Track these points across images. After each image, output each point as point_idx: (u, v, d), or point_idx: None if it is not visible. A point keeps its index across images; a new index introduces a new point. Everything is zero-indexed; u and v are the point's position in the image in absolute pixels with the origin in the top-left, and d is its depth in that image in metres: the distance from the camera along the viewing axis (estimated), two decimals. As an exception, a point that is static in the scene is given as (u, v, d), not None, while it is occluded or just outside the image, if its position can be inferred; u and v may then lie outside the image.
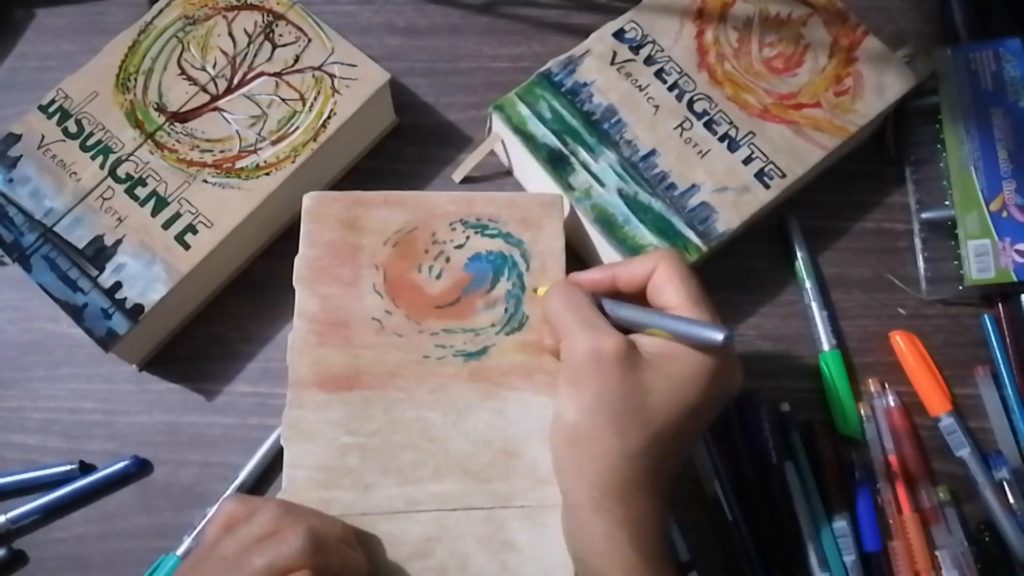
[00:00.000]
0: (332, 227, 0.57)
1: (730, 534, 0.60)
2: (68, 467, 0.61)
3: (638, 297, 0.52)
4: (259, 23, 0.65)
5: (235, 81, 0.64)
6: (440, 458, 0.53)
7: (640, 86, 0.64)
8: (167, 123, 0.62)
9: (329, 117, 0.62)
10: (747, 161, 0.62)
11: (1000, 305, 0.66)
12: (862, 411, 0.63)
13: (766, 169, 0.62)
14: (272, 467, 0.61)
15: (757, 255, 0.68)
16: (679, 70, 0.65)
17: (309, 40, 0.65)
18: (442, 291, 0.57)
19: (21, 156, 0.61)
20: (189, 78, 0.64)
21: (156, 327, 0.63)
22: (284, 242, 0.66)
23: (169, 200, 0.60)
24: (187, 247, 0.59)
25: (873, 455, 0.62)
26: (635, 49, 0.65)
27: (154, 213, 0.60)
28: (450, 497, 0.52)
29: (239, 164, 0.61)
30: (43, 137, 0.62)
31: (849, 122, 0.64)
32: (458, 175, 0.68)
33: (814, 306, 0.65)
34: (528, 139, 0.62)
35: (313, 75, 0.64)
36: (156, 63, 0.64)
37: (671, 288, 0.50)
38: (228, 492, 0.60)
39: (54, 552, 0.61)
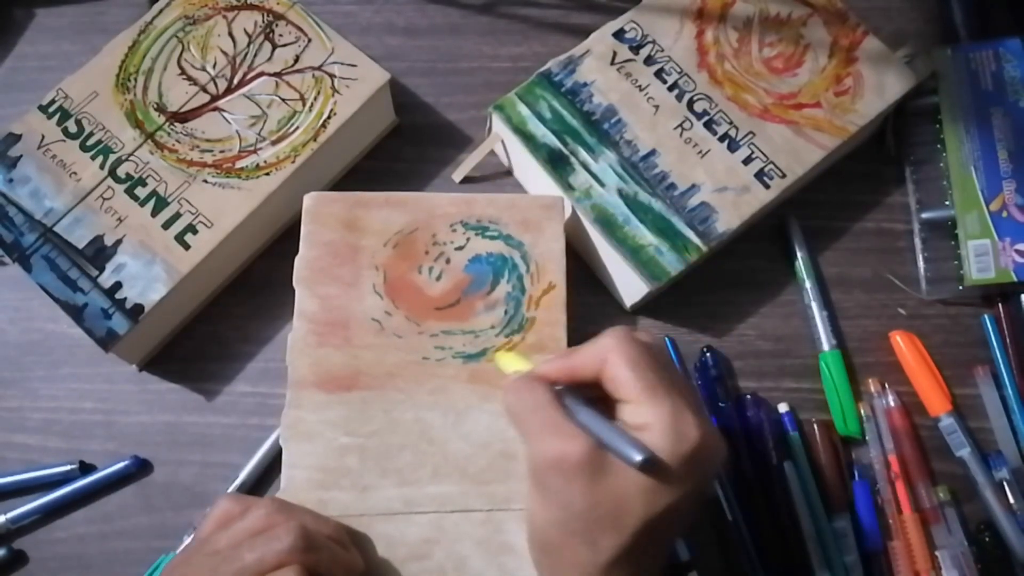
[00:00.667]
0: (332, 227, 0.57)
1: (730, 534, 0.60)
2: (68, 467, 0.61)
3: (598, 387, 0.48)
4: (259, 23, 0.65)
5: (235, 81, 0.64)
6: (439, 460, 0.53)
7: (640, 86, 0.64)
8: (167, 123, 0.62)
9: (329, 117, 0.62)
10: (747, 161, 0.62)
11: (1000, 305, 0.66)
12: (862, 411, 0.63)
13: (766, 169, 0.62)
14: (272, 467, 0.61)
15: (757, 255, 0.68)
16: (679, 70, 0.65)
17: (309, 40, 0.64)
18: (442, 292, 0.57)
19: (21, 156, 0.61)
20: (189, 78, 0.64)
21: (156, 327, 0.63)
22: (284, 242, 0.66)
23: (169, 200, 0.60)
24: (187, 247, 0.59)
25: (873, 455, 0.62)
26: (635, 49, 0.65)
27: (154, 213, 0.60)
28: (448, 499, 0.52)
29: (239, 164, 0.61)
30: (43, 137, 0.62)
31: (849, 122, 0.64)
32: (458, 175, 0.68)
33: (814, 306, 0.65)
34: (528, 139, 0.62)
35: (313, 75, 0.64)
36: (156, 63, 0.64)
37: (622, 381, 0.46)
38: (228, 492, 0.60)
39: (54, 552, 0.61)
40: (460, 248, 0.58)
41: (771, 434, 0.62)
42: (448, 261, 0.57)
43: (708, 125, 0.63)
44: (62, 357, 0.65)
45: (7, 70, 0.72)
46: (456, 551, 0.51)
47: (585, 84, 0.64)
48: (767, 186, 0.62)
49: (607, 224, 0.60)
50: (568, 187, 0.61)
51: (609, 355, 0.47)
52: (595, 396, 0.48)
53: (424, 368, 0.55)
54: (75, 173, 0.61)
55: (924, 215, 0.67)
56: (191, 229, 0.60)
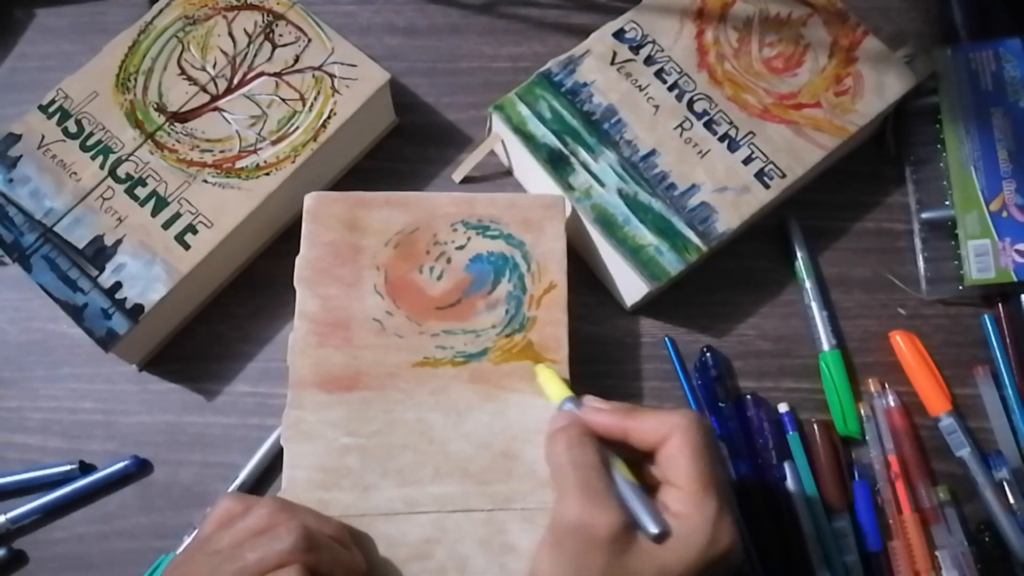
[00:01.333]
0: (333, 227, 0.57)
1: (730, 534, 0.60)
2: (68, 467, 0.61)
3: (651, 454, 0.48)
4: (259, 23, 0.65)
5: (235, 81, 0.63)
6: (440, 460, 0.53)
7: (640, 86, 0.64)
8: (167, 123, 0.62)
9: (329, 117, 0.62)
10: (747, 161, 0.62)
11: (1000, 305, 0.66)
12: (862, 411, 0.63)
13: (766, 169, 0.62)
14: (272, 467, 0.61)
15: (757, 255, 0.68)
16: (679, 70, 0.65)
17: (309, 40, 0.64)
18: (443, 292, 0.57)
19: (21, 156, 0.61)
20: (189, 78, 0.64)
21: (156, 327, 0.63)
22: (284, 242, 0.66)
23: (169, 200, 0.60)
24: (187, 247, 0.59)
25: (873, 455, 0.62)
26: (635, 49, 0.65)
27: (154, 213, 0.60)
28: (450, 499, 0.52)
29: (239, 164, 0.61)
30: (43, 137, 0.62)
31: (849, 122, 0.64)
32: (458, 175, 0.68)
33: (814, 306, 0.65)
34: (528, 139, 0.62)
35: (313, 75, 0.64)
36: (156, 63, 0.64)
37: (682, 466, 0.46)
38: (228, 491, 0.60)
39: (54, 552, 0.61)
40: (461, 248, 0.58)
41: (771, 434, 0.62)
42: (449, 261, 0.57)
43: (708, 125, 0.63)
44: (62, 357, 0.65)
45: (7, 70, 0.72)
46: (457, 551, 0.51)
47: (585, 84, 0.64)
48: (767, 186, 0.62)
49: (607, 224, 0.60)
50: (568, 187, 0.61)
51: (675, 435, 0.47)
52: (636, 458, 0.48)
53: (425, 368, 0.55)
54: (75, 173, 0.61)
55: (924, 215, 0.67)
56: (191, 229, 0.60)
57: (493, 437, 0.54)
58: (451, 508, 0.52)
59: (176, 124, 0.62)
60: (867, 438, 0.63)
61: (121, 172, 0.61)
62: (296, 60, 0.64)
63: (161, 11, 0.65)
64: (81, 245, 0.59)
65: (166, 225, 0.60)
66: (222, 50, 0.64)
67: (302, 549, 0.45)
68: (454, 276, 0.57)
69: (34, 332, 0.65)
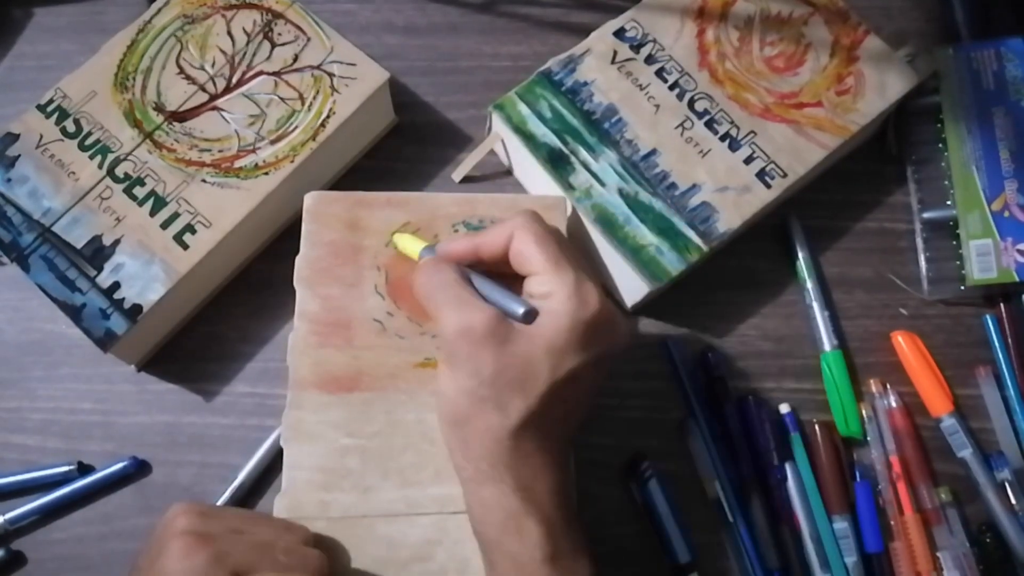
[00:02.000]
0: (333, 227, 0.57)
1: (730, 534, 0.60)
2: (67, 468, 0.61)
3: (506, 264, 0.52)
4: (258, 22, 0.65)
5: (234, 80, 0.63)
6: (441, 461, 0.53)
7: (641, 85, 0.64)
8: (166, 122, 0.62)
9: (328, 116, 0.62)
10: (748, 160, 0.62)
11: (1002, 305, 0.65)
12: (863, 411, 0.63)
13: (767, 168, 0.62)
14: (271, 468, 0.61)
15: (758, 255, 0.67)
16: (680, 69, 0.64)
17: (308, 39, 0.64)
18: (443, 292, 0.57)
19: (19, 155, 0.61)
20: (188, 77, 0.63)
21: (155, 327, 0.62)
22: (283, 242, 0.66)
23: (168, 200, 0.60)
24: (186, 247, 0.59)
25: (874, 456, 0.62)
26: (636, 48, 0.65)
27: (152, 213, 0.60)
28: (451, 500, 0.52)
29: (238, 163, 0.61)
30: (41, 136, 0.62)
31: (850, 121, 0.63)
32: (458, 175, 0.68)
33: (815, 306, 0.65)
34: (528, 138, 0.62)
35: (312, 74, 0.63)
36: (155, 62, 0.64)
37: (529, 255, 0.50)
38: (227, 493, 0.60)
39: (53, 553, 0.60)
40: (461, 248, 0.58)
41: (772, 435, 0.61)
42: (449, 261, 0.57)
43: (709, 124, 0.63)
44: (60, 357, 0.64)
45: (5, 69, 0.72)
46: (458, 552, 0.51)
47: (585, 83, 0.63)
48: (768, 186, 0.61)
49: (607, 224, 0.60)
50: (568, 187, 0.61)
51: (516, 231, 0.50)
52: (504, 275, 0.52)
53: (426, 369, 0.55)
54: (73, 173, 0.61)
55: (926, 215, 0.67)
56: (190, 229, 0.60)
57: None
58: (452, 509, 0.52)
59: (175, 123, 0.62)
60: (868, 439, 0.63)
61: (119, 172, 0.61)
62: (295, 59, 0.64)
63: (160, 10, 0.65)
64: (79, 245, 0.59)
65: (165, 225, 0.60)
66: (221, 49, 0.64)
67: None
68: (454, 276, 0.57)
69: (32, 332, 0.65)
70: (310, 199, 0.58)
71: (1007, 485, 0.62)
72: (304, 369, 0.54)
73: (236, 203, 0.60)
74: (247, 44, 0.64)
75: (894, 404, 0.63)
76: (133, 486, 0.62)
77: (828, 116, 0.63)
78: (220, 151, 0.61)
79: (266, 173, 0.61)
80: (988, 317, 0.66)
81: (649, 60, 0.65)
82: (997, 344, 0.65)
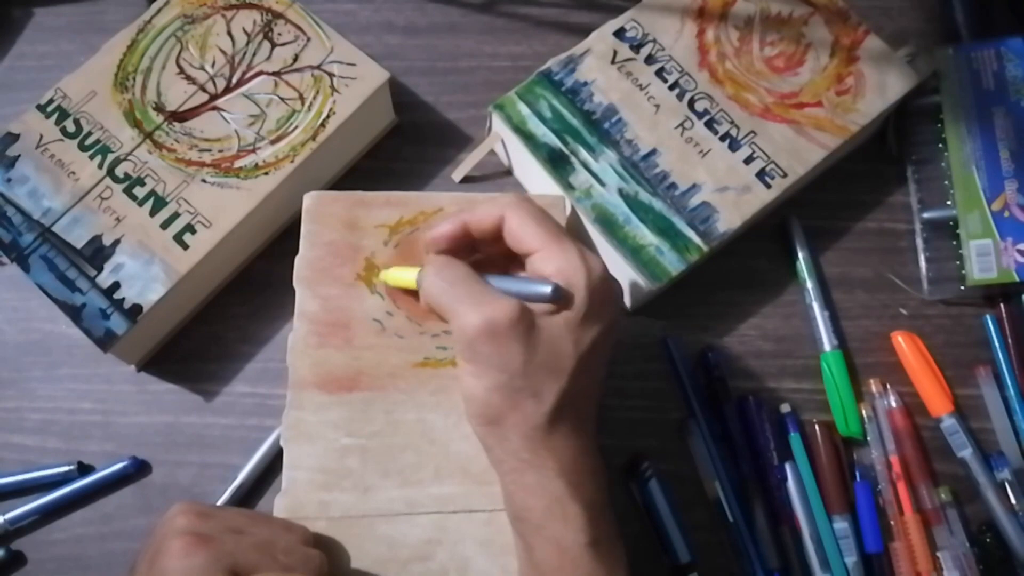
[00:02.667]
0: (333, 227, 0.57)
1: (730, 534, 0.60)
2: (66, 468, 0.61)
3: (495, 243, 0.51)
4: (258, 22, 0.65)
5: (234, 80, 0.63)
6: (441, 460, 0.53)
7: (641, 85, 0.64)
8: (166, 122, 0.62)
9: (328, 116, 0.62)
10: (748, 160, 0.62)
11: (1002, 305, 0.66)
12: (863, 412, 0.63)
13: (767, 169, 0.62)
14: (271, 468, 0.61)
15: (758, 255, 0.67)
16: (680, 69, 0.64)
17: (308, 39, 0.64)
18: (443, 292, 0.56)
19: (19, 156, 0.61)
20: (188, 77, 0.63)
21: (154, 327, 0.62)
22: (283, 242, 0.66)
23: (168, 200, 0.60)
24: (186, 247, 0.59)
25: (874, 456, 0.62)
26: (636, 48, 0.65)
27: (152, 213, 0.60)
28: (451, 499, 0.52)
29: (238, 163, 0.61)
30: (41, 136, 0.62)
31: (850, 121, 0.63)
32: (458, 175, 0.68)
33: (815, 306, 0.65)
34: (528, 138, 0.62)
35: (312, 74, 0.63)
36: (155, 62, 0.64)
37: (528, 233, 0.49)
38: (227, 493, 0.60)
39: (52, 553, 0.60)
40: (461, 248, 0.57)
41: (772, 435, 0.61)
42: (449, 261, 0.57)
43: (709, 124, 0.63)
44: (60, 357, 0.64)
45: (5, 69, 0.72)
46: (459, 552, 0.51)
47: (585, 83, 0.63)
48: (768, 186, 0.61)
49: (607, 224, 0.60)
50: (568, 187, 0.61)
51: (507, 211, 0.50)
52: (490, 260, 0.52)
53: (426, 368, 0.55)
54: (73, 173, 0.61)
55: (926, 215, 0.67)
56: (190, 229, 0.60)
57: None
58: (452, 509, 0.52)
59: (175, 123, 0.62)
60: (868, 439, 0.63)
61: (119, 172, 0.61)
62: (295, 59, 0.64)
63: (160, 10, 0.65)
64: (79, 245, 0.59)
65: (164, 225, 0.60)
66: (221, 49, 0.64)
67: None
68: (454, 276, 0.57)
69: (32, 332, 0.65)
70: (309, 199, 0.58)
71: (1007, 485, 0.62)
72: (304, 369, 0.54)
73: (236, 203, 0.60)
74: (247, 44, 0.64)
75: (894, 404, 0.63)
76: (133, 486, 0.62)
77: (828, 116, 0.63)
78: (220, 151, 0.61)
79: (266, 173, 0.61)
80: (988, 317, 0.66)
81: (649, 60, 0.65)
82: (997, 344, 0.65)
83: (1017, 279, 0.64)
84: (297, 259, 0.56)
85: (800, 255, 0.66)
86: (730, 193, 0.61)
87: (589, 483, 0.48)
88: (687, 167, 0.62)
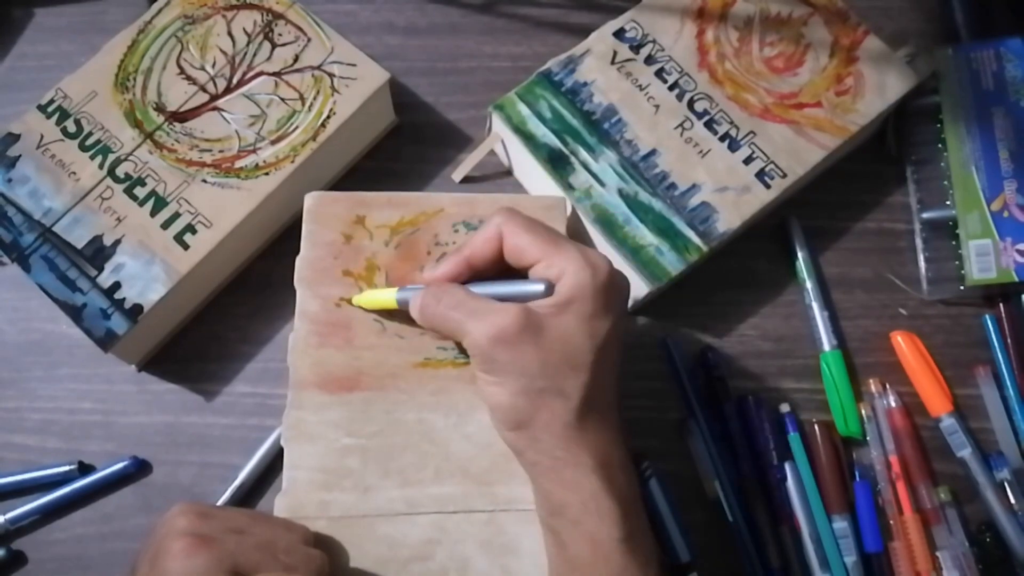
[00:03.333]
0: (334, 227, 0.57)
1: (730, 534, 0.60)
2: (67, 467, 0.61)
3: (496, 266, 0.52)
4: (258, 22, 0.65)
5: (234, 80, 0.63)
6: (441, 460, 0.53)
7: (640, 85, 0.64)
8: (166, 123, 0.62)
9: (329, 117, 0.62)
10: (748, 161, 0.62)
11: (1001, 305, 0.66)
12: (863, 411, 0.63)
13: (767, 169, 0.62)
14: (272, 468, 0.61)
15: (758, 255, 0.67)
16: (679, 69, 0.64)
17: (308, 39, 0.64)
18: (443, 292, 0.57)
19: (20, 156, 0.61)
20: (188, 77, 0.63)
21: (155, 327, 0.62)
22: (283, 242, 0.66)
23: (168, 200, 0.60)
24: (186, 247, 0.59)
25: (874, 455, 0.62)
26: (635, 48, 0.65)
27: (153, 213, 0.60)
28: (451, 499, 0.52)
29: (238, 164, 0.61)
30: (42, 137, 0.62)
31: (850, 122, 0.64)
32: (458, 175, 0.68)
33: (815, 306, 0.65)
34: (528, 139, 0.62)
35: (312, 74, 0.63)
36: (155, 63, 0.64)
37: (525, 244, 0.50)
38: (228, 493, 0.60)
39: (53, 553, 0.61)
40: (461, 248, 0.58)
41: (772, 434, 0.61)
42: (449, 261, 0.57)
43: (709, 125, 0.63)
44: (61, 357, 0.64)
45: (6, 70, 0.72)
46: (459, 552, 0.51)
47: (585, 84, 0.64)
48: (768, 186, 0.62)
49: (607, 224, 0.60)
50: (568, 187, 0.61)
51: (503, 228, 0.50)
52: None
53: (426, 369, 0.55)
54: (74, 173, 0.61)
55: (925, 215, 0.67)
56: (190, 229, 0.60)
57: (494, 438, 0.53)
58: (452, 509, 0.52)
59: (175, 124, 0.62)
60: (868, 438, 0.63)
61: (120, 172, 0.61)
62: (295, 59, 0.64)
63: (160, 10, 0.65)
64: (80, 245, 0.59)
65: (165, 225, 0.60)
66: (221, 49, 0.64)
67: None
68: (455, 276, 0.57)
69: (33, 332, 0.65)
70: (310, 199, 0.58)
71: (1006, 485, 0.62)
72: (304, 369, 0.54)
73: (237, 203, 0.60)
74: (247, 44, 0.64)
75: (893, 404, 0.63)
76: (133, 486, 0.62)
77: (827, 116, 0.63)
78: (221, 151, 0.62)
79: (266, 173, 0.61)
80: (987, 317, 0.66)
81: (649, 61, 0.65)
82: (996, 344, 0.65)
83: (1016, 279, 0.64)
84: (298, 259, 0.56)
85: (799, 255, 0.66)
86: (730, 193, 0.61)
87: (621, 477, 0.49)
88: (687, 167, 0.62)
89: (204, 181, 0.61)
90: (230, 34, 0.64)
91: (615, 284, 0.50)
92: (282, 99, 0.63)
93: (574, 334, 0.48)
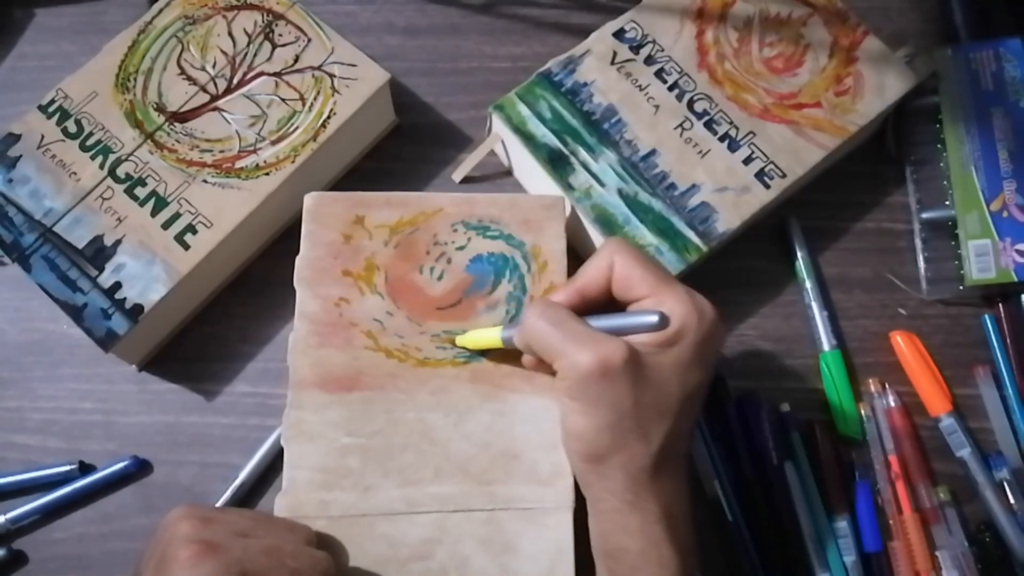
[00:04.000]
0: (334, 228, 0.57)
1: (730, 534, 0.60)
2: (68, 467, 0.61)
3: (605, 298, 0.51)
4: (259, 23, 0.65)
5: (235, 81, 0.63)
6: (440, 460, 0.53)
7: (640, 86, 0.64)
8: (167, 123, 0.62)
9: (329, 117, 0.62)
10: (747, 161, 0.62)
11: (1000, 305, 0.66)
12: (862, 411, 0.63)
13: (766, 169, 0.62)
14: (272, 467, 0.61)
15: (757, 255, 0.68)
16: (679, 70, 0.65)
17: (309, 40, 0.64)
18: (443, 292, 0.57)
19: (21, 156, 0.61)
20: (189, 78, 0.64)
21: (156, 327, 0.63)
22: (284, 242, 0.66)
23: (169, 200, 0.60)
24: (187, 247, 0.59)
25: (873, 455, 0.62)
26: (635, 49, 0.65)
27: (154, 213, 0.60)
28: (450, 499, 0.52)
29: (239, 164, 0.61)
30: (43, 137, 0.62)
31: (849, 122, 0.64)
32: (458, 175, 0.68)
33: (814, 306, 0.65)
34: (528, 139, 0.62)
35: (313, 75, 0.63)
36: (156, 63, 0.64)
37: (636, 278, 0.49)
38: (228, 493, 0.60)
39: (54, 552, 0.61)
40: (461, 248, 0.58)
41: (771, 434, 0.61)
42: (449, 261, 0.57)
43: (708, 125, 0.63)
44: (61, 357, 0.64)
45: (7, 70, 0.72)
46: (458, 551, 0.51)
47: (585, 84, 0.64)
48: (767, 186, 0.62)
49: (607, 224, 0.60)
50: (568, 187, 0.61)
51: (615, 258, 0.50)
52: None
53: (426, 368, 0.55)
54: (75, 173, 0.61)
55: (924, 215, 0.67)
56: (191, 229, 0.60)
57: (493, 437, 0.53)
58: (452, 508, 0.52)
59: (176, 124, 0.62)
60: (867, 438, 0.63)
61: (121, 172, 0.61)
62: (296, 60, 0.64)
63: (161, 11, 0.65)
64: (81, 245, 0.59)
65: (166, 225, 0.60)
66: (222, 50, 0.64)
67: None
68: (454, 277, 0.57)
69: (33, 332, 0.65)
70: (310, 199, 0.58)
71: (1005, 484, 0.62)
72: (304, 369, 0.54)
73: (237, 203, 0.60)
74: (248, 45, 0.64)
75: (893, 404, 0.63)
76: (134, 486, 0.62)
77: (827, 117, 0.64)
78: (221, 152, 0.62)
79: (267, 174, 0.61)
80: (987, 317, 0.66)
81: (648, 61, 0.65)
82: (996, 344, 0.65)
83: (1015, 279, 0.64)
84: (298, 259, 0.56)
85: (799, 255, 0.66)
86: (729, 193, 0.61)
87: (684, 527, 0.49)
88: (686, 167, 0.62)
89: (205, 181, 0.61)
90: (230, 34, 0.65)
91: (715, 336, 0.49)
92: (282, 99, 0.63)
93: (668, 379, 0.48)
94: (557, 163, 0.61)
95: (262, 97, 0.63)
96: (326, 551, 0.49)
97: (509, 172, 0.69)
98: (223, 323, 0.65)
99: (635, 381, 0.47)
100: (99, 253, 0.59)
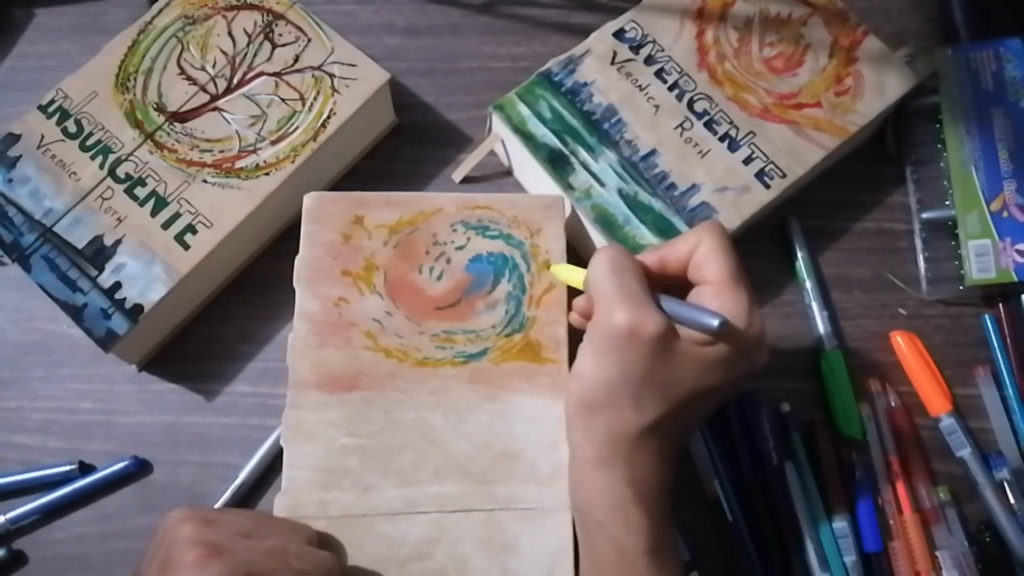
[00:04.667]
0: (333, 227, 0.57)
1: (730, 534, 0.60)
2: (68, 467, 0.61)
3: (683, 275, 0.51)
4: (259, 23, 0.65)
5: (235, 81, 0.63)
6: (440, 459, 0.53)
7: (640, 86, 0.64)
8: (167, 123, 0.62)
9: (329, 117, 0.62)
10: (747, 161, 0.62)
11: (1001, 305, 0.66)
12: (863, 411, 0.63)
13: (766, 169, 0.62)
14: (272, 467, 0.61)
15: (757, 255, 0.67)
16: (679, 70, 0.65)
17: (309, 40, 0.64)
18: (443, 292, 0.57)
19: (20, 156, 0.61)
20: (189, 78, 0.64)
21: (156, 327, 0.63)
22: (284, 242, 0.66)
23: (169, 200, 0.60)
24: (187, 247, 0.59)
25: (874, 455, 0.62)
26: (635, 49, 0.65)
27: (154, 213, 0.60)
28: (450, 499, 0.52)
29: (239, 164, 0.61)
30: (42, 137, 0.62)
31: (849, 122, 0.64)
32: (458, 175, 0.68)
33: (815, 306, 0.65)
34: (528, 139, 0.62)
35: (313, 75, 0.63)
36: (156, 63, 0.64)
37: (711, 263, 0.49)
38: (228, 493, 0.60)
39: (54, 552, 0.61)
40: (461, 248, 0.58)
41: (772, 434, 0.61)
42: (449, 261, 0.57)
43: (708, 125, 0.63)
44: (62, 357, 0.64)
45: (7, 70, 0.72)
46: (458, 551, 0.51)
47: (585, 84, 0.64)
48: (767, 186, 0.62)
49: (607, 224, 0.60)
50: (568, 187, 0.61)
51: (704, 236, 0.50)
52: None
53: (425, 368, 0.55)
54: (75, 173, 0.61)
55: (924, 215, 0.67)
56: (191, 229, 0.60)
57: (493, 437, 0.54)
58: (451, 508, 0.52)
59: (176, 124, 0.62)
60: (868, 438, 0.63)
61: (120, 172, 0.61)
62: (296, 60, 0.64)
63: (161, 11, 0.65)
64: (81, 245, 0.59)
65: (166, 225, 0.60)
66: (222, 50, 0.64)
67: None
68: (454, 276, 0.57)
69: (33, 332, 0.65)
70: (310, 199, 0.58)
71: (1006, 485, 0.62)
72: (304, 369, 0.54)
73: (237, 203, 0.60)
74: (248, 45, 0.64)
75: (893, 404, 0.63)
76: (134, 486, 0.62)
77: (827, 117, 0.64)
78: (221, 152, 0.62)
79: (267, 174, 0.61)
80: (987, 317, 0.66)
81: (649, 61, 0.65)
82: (996, 344, 0.65)
83: (1016, 279, 0.64)
84: (297, 259, 0.56)
85: (799, 255, 0.66)
86: (729, 193, 0.61)
87: (656, 496, 0.49)
88: (686, 167, 0.62)
89: (204, 181, 0.61)
90: (230, 34, 0.65)
91: (754, 350, 0.49)
92: (282, 99, 0.63)
93: (688, 369, 0.48)
94: (557, 163, 0.61)
95: (262, 97, 0.63)
96: (327, 551, 0.49)
97: (509, 172, 0.69)
98: (223, 323, 0.65)
99: (655, 356, 0.47)
100: (99, 253, 0.59)
